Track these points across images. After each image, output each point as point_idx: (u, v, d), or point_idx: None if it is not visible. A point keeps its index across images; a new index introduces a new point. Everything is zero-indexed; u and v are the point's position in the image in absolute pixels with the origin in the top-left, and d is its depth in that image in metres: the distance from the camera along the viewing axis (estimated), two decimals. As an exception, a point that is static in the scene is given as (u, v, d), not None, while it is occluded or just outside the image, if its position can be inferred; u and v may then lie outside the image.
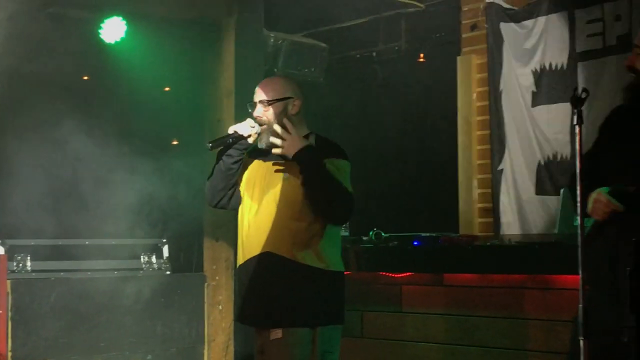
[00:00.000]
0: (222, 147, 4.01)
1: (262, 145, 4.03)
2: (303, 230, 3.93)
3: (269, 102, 4.02)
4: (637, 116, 3.72)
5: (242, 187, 4.13)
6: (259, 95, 4.06)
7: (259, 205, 4.00)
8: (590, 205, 3.64)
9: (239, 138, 3.98)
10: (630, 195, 3.61)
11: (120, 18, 5.71)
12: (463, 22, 6.90)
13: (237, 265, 4.11)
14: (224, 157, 4.03)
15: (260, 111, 4.03)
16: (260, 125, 4.01)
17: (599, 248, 3.66)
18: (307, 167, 3.90)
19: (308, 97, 4.14)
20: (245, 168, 4.13)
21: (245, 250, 4.03)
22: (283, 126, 3.97)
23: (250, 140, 3.99)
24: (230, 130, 4.00)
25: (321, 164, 3.91)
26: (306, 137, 4.04)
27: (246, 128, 3.98)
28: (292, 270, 3.92)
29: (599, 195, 3.62)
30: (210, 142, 3.98)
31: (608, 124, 3.98)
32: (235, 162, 4.03)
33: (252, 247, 3.99)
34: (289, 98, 4.04)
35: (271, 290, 3.94)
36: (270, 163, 4.02)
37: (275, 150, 3.94)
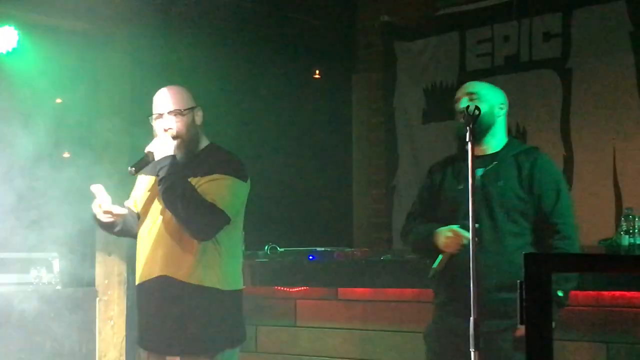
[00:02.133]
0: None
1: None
2: (202, 250, 3.76)
3: (183, 112, 3.84)
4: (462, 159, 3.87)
5: (138, 205, 3.98)
6: (167, 105, 3.85)
7: (156, 225, 3.86)
8: (443, 240, 3.86)
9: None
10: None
11: (13, 27, 5.62)
12: (358, 40, 7.00)
13: (137, 282, 3.94)
14: (105, 227, 3.90)
15: (171, 122, 3.83)
16: (173, 138, 3.82)
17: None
18: (164, 180, 3.74)
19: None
20: (140, 184, 4.00)
21: (143, 269, 3.87)
22: (194, 137, 3.88)
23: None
24: (152, 151, 3.78)
25: (179, 179, 3.73)
26: (206, 148, 3.92)
27: (170, 147, 3.78)
28: (191, 295, 3.76)
29: (452, 231, 3.82)
30: (132, 167, 3.74)
31: (439, 168, 4.18)
32: (119, 230, 3.92)
33: (151, 267, 3.84)
34: (195, 108, 3.90)
35: (168, 316, 3.78)
36: None
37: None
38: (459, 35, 6.56)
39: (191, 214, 3.71)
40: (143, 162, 3.78)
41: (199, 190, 3.74)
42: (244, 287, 4.02)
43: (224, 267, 3.84)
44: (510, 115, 6.40)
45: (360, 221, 6.87)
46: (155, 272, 3.82)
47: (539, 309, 2.35)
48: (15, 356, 5.48)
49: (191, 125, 3.86)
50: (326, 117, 6.88)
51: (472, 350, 3.62)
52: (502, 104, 4.07)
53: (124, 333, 5.95)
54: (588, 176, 6.06)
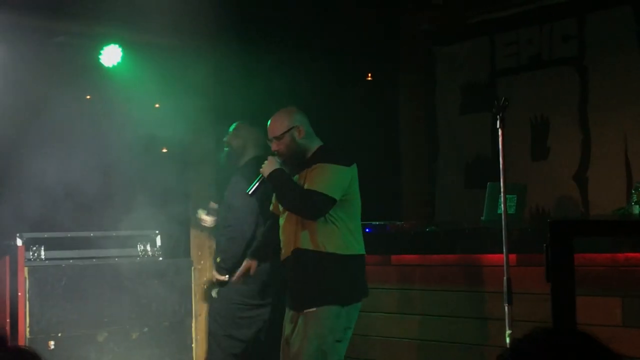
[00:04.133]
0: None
1: (286, 169, 4.10)
2: (319, 225, 3.96)
3: (279, 137, 4.05)
4: None
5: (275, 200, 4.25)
6: (269, 132, 4.12)
7: (287, 212, 4.09)
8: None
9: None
10: None
11: (117, 45, 5.69)
12: (403, 46, 6.94)
13: (282, 259, 4.18)
14: None
15: (275, 145, 4.08)
16: (279, 155, 4.08)
17: None
18: (272, 184, 4.04)
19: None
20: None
21: (285, 248, 4.12)
22: (297, 151, 4.06)
23: None
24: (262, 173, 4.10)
25: (284, 182, 4.00)
26: (316, 151, 4.07)
27: (275, 164, 4.05)
28: (317, 258, 3.96)
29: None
30: (250, 192, 4.15)
31: None
32: None
33: (287, 246, 4.08)
34: (292, 128, 4.04)
35: (302, 279, 4.00)
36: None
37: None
38: (489, 39, 6.47)
39: (294, 203, 3.98)
40: (258, 185, 4.14)
41: (307, 180, 3.97)
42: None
43: (342, 236, 4.00)
44: (534, 106, 6.34)
45: (408, 198, 6.83)
46: (289, 248, 4.06)
47: (562, 269, 2.30)
48: (126, 316, 5.56)
49: (291, 144, 4.06)
50: (378, 112, 6.85)
51: (505, 304, 3.59)
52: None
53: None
54: (603, 156, 5.95)
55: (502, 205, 3.50)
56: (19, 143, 5.41)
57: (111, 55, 5.69)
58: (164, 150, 6.40)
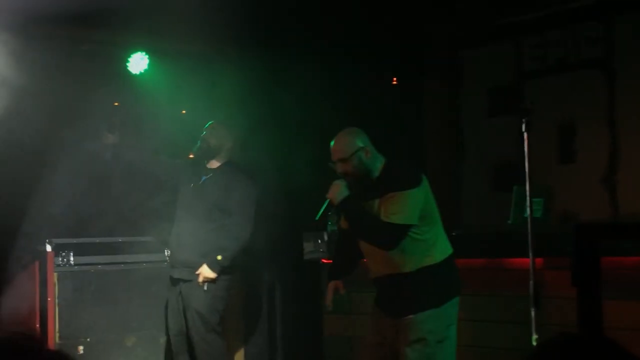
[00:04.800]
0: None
1: (352, 192, 4.02)
2: (407, 247, 3.93)
3: (346, 159, 3.98)
4: None
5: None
6: (335, 154, 4.04)
7: None
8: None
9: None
10: None
11: (144, 53, 5.73)
12: (427, 49, 6.91)
13: (372, 277, 4.16)
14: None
15: (341, 167, 4.00)
16: (346, 176, 4.01)
17: None
18: (344, 213, 4.00)
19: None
20: None
21: (371, 269, 4.12)
22: (364, 172, 3.99)
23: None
24: (330, 198, 3.99)
25: (359, 214, 3.94)
26: (383, 170, 4.01)
27: (344, 191, 3.96)
28: (415, 277, 3.95)
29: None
30: (317, 218, 4.03)
31: None
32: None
33: (375, 268, 4.07)
34: (359, 149, 4.00)
35: (400, 295, 3.99)
36: (364, 203, 4.01)
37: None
38: (515, 41, 6.42)
39: (372, 238, 3.95)
40: (326, 211, 4.03)
41: (382, 209, 3.90)
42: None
43: (431, 247, 3.99)
44: (561, 109, 6.28)
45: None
46: (382, 272, 4.04)
47: (588, 273, 2.28)
48: (155, 320, 5.55)
49: (358, 165, 4.00)
50: (404, 116, 6.82)
51: (532, 309, 3.56)
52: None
53: (243, 302, 6.01)
54: (632, 159, 5.88)
55: (528, 208, 3.46)
56: (48, 150, 5.47)
57: (138, 62, 5.73)
58: (191, 157, 6.42)
